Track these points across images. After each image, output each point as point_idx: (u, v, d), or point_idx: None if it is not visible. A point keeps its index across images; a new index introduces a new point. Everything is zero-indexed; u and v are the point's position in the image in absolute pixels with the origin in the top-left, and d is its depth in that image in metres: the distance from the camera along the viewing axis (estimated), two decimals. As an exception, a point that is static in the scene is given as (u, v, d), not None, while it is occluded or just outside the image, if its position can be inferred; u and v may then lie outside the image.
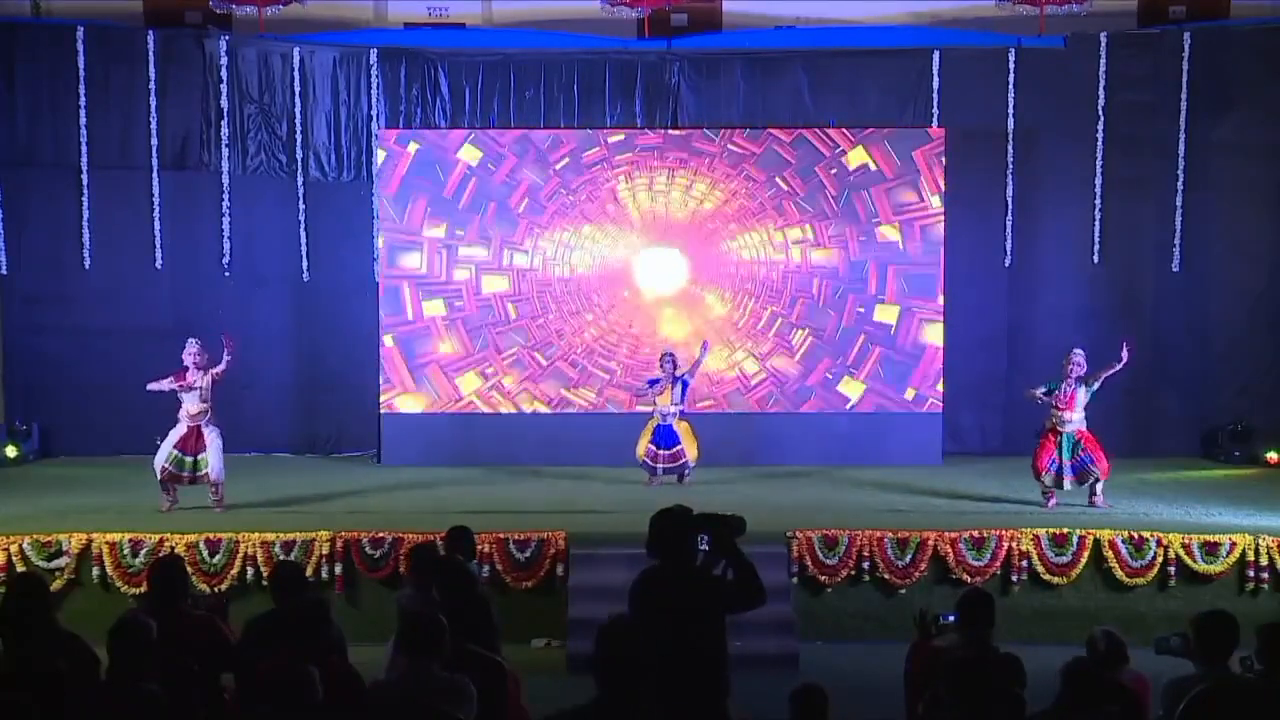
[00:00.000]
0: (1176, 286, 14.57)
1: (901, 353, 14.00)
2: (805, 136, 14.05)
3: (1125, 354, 11.08)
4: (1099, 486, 11.14)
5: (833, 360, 14.04)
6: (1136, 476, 12.41)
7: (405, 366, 13.98)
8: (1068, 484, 11.11)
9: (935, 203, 13.92)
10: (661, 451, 12.36)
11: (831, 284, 14.07)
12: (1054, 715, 4.96)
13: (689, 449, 12.39)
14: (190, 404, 10.94)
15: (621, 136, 14.13)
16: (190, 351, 10.95)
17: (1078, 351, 11.24)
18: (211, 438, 10.96)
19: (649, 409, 12.54)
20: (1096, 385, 11.10)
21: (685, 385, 12.52)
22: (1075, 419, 11.07)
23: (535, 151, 14.07)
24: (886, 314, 14.01)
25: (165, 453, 10.93)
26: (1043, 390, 11.23)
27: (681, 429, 12.40)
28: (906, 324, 13.99)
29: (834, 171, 14.02)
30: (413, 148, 14.05)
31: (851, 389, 14.04)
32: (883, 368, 14.01)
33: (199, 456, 10.93)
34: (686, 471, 12.37)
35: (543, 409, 14.13)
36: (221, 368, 10.98)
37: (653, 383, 12.57)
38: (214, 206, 14.44)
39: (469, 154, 14.04)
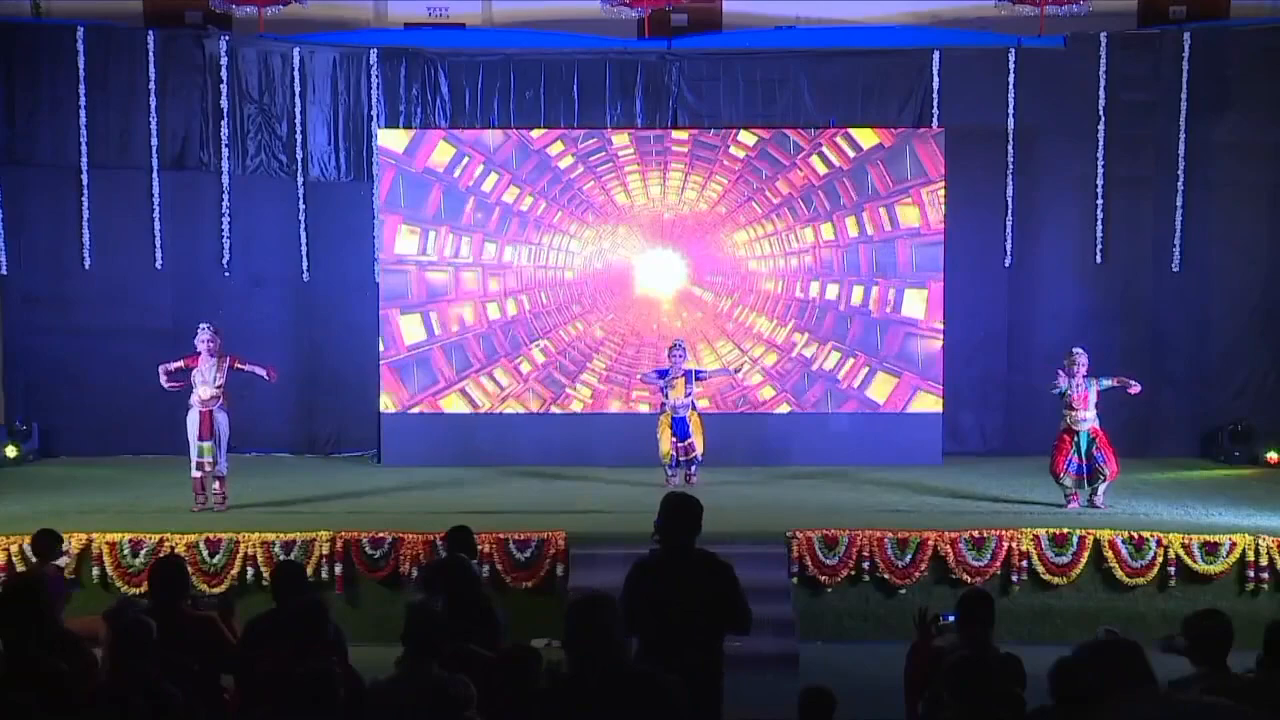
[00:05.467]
0: (1176, 286, 14.57)
1: (901, 351, 14.00)
2: (805, 136, 14.06)
3: (1137, 386, 11.18)
4: (1102, 487, 11.14)
5: (831, 360, 14.05)
6: (1136, 476, 12.40)
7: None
8: (1086, 483, 11.11)
9: (935, 202, 13.91)
10: (679, 444, 12.23)
11: (831, 284, 14.07)
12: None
13: (698, 441, 12.25)
14: (201, 389, 10.87)
15: (622, 136, 14.13)
16: (202, 337, 10.93)
17: (1079, 350, 11.22)
18: (220, 428, 10.93)
19: (658, 404, 12.40)
20: (1111, 382, 11.13)
21: (699, 377, 12.41)
22: (1089, 416, 11.04)
23: (535, 151, 14.07)
24: (886, 312, 14.02)
25: (194, 449, 10.91)
26: (1059, 391, 11.16)
27: (692, 421, 12.25)
28: (906, 323, 13.99)
29: (833, 172, 14.02)
30: (408, 145, 14.06)
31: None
32: (882, 366, 14.01)
33: (209, 443, 10.89)
34: (693, 469, 12.29)
35: (542, 409, 14.13)
36: (254, 369, 11.02)
37: (662, 374, 12.38)
38: (214, 206, 14.44)
39: (467, 154, 14.03)
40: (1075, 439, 11.03)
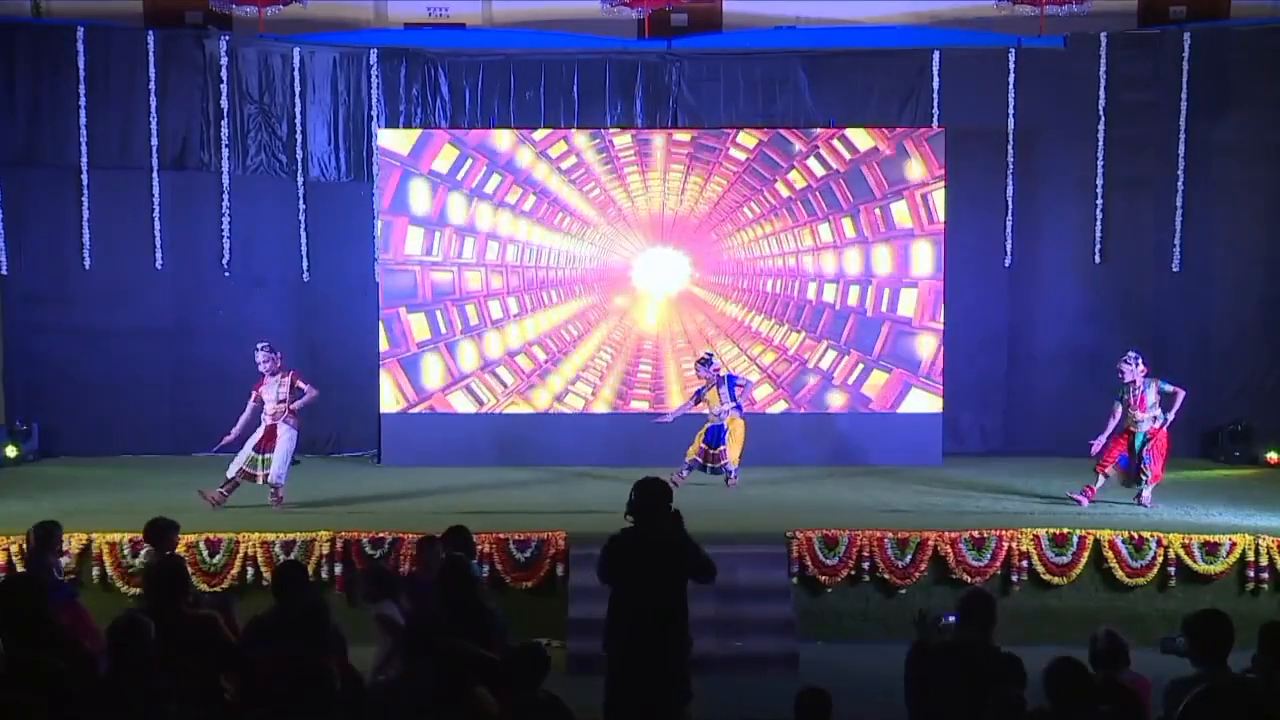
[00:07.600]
0: (1176, 286, 14.58)
1: (900, 350, 14.00)
2: (805, 136, 14.05)
3: (1169, 420, 11.12)
4: (1146, 491, 11.16)
5: (831, 360, 14.06)
6: (1136, 476, 12.39)
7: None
8: (1114, 474, 11.21)
9: (935, 202, 13.91)
10: (709, 450, 12.09)
11: (831, 284, 14.07)
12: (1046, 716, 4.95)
13: (730, 449, 12.07)
14: (266, 404, 11.11)
15: (622, 136, 14.13)
16: (261, 359, 11.09)
17: (1129, 355, 11.19)
18: (280, 440, 11.06)
19: (704, 410, 12.21)
20: (1170, 388, 11.09)
21: (733, 381, 12.23)
22: (1145, 418, 11.07)
23: (535, 152, 14.07)
24: (885, 312, 14.02)
25: (245, 454, 11.04)
26: (1119, 408, 11.12)
27: (731, 428, 12.06)
28: (905, 323, 14.00)
29: (833, 172, 14.02)
30: (412, 146, 14.05)
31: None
32: (881, 366, 14.01)
33: (266, 455, 11.05)
34: (733, 474, 12.09)
35: (542, 409, 14.12)
36: (306, 394, 11.09)
37: (698, 393, 12.24)
38: (214, 206, 14.44)
39: (469, 154, 14.03)
40: (1131, 439, 11.11)
